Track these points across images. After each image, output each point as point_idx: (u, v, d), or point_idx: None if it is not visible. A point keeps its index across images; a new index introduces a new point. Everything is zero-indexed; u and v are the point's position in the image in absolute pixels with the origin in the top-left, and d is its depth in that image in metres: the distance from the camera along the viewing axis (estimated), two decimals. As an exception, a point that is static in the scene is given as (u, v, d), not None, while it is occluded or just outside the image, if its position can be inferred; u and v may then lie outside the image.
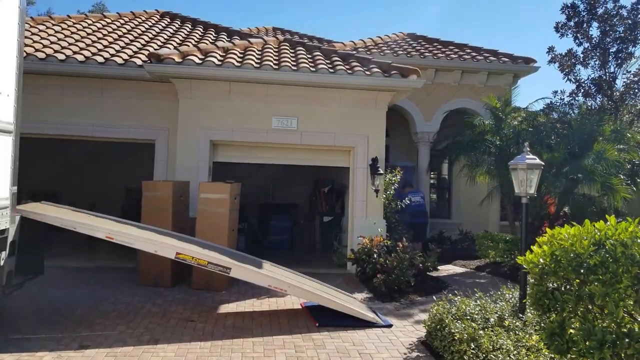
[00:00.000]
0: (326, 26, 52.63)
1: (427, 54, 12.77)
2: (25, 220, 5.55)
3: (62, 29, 11.16)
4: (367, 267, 8.04)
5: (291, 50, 10.49)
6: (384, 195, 9.43)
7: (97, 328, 5.49)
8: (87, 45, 10.10)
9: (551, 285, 3.72)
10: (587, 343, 3.28)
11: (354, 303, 6.58)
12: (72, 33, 10.94)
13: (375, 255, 8.00)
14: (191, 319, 5.99)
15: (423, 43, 13.84)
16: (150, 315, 6.04)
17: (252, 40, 10.81)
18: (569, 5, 15.00)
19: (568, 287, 3.62)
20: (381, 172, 9.13)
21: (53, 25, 11.31)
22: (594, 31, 14.84)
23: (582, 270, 3.41)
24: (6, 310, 5.92)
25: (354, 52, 11.49)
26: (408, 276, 7.47)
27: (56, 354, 4.70)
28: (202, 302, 6.77)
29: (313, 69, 9.14)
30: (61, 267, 8.24)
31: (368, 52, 12.35)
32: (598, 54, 14.77)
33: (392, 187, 9.65)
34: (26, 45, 8.81)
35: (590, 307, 3.51)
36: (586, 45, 14.96)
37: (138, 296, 6.89)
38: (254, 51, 10.05)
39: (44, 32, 10.63)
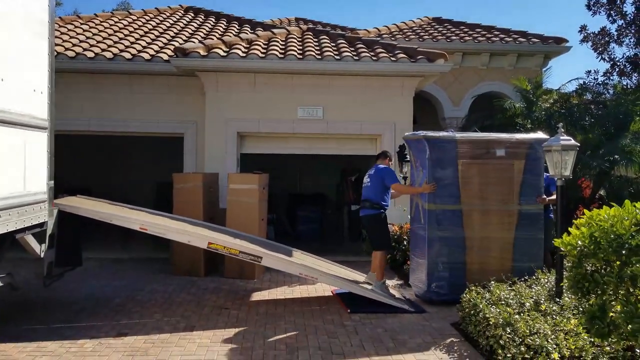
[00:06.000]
0: (348, 16, 52.24)
1: (453, 37, 12.50)
2: (63, 213, 5.71)
3: (90, 27, 11.36)
4: (397, 254, 8.00)
5: (315, 40, 10.44)
6: (413, 182, 9.32)
7: (135, 316, 5.62)
8: (115, 42, 10.27)
9: (590, 267, 3.62)
10: (629, 326, 3.19)
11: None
12: (100, 31, 11.13)
13: (405, 242, 7.95)
14: (225, 306, 6.08)
15: (449, 27, 13.55)
16: (185, 304, 6.16)
17: (275, 31, 10.80)
18: (601, -19, 14.55)
19: (608, 269, 3.52)
20: (409, 159, 9.00)
21: (81, 24, 11.52)
22: (629, 7, 14.35)
23: (623, 252, 3.31)
24: (48, 301, 6.14)
25: (379, 38, 11.35)
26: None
27: (97, 341, 4.84)
28: (234, 291, 6.86)
29: (337, 57, 9.08)
30: (98, 259, 8.47)
31: (393, 39, 12.17)
32: (633, 31, 14.25)
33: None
34: (56, 44, 9.00)
35: (632, 289, 3.41)
36: (620, 22, 14.48)
37: (173, 286, 7.03)
38: (277, 42, 10.04)
39: (73, 31, 10.85)
